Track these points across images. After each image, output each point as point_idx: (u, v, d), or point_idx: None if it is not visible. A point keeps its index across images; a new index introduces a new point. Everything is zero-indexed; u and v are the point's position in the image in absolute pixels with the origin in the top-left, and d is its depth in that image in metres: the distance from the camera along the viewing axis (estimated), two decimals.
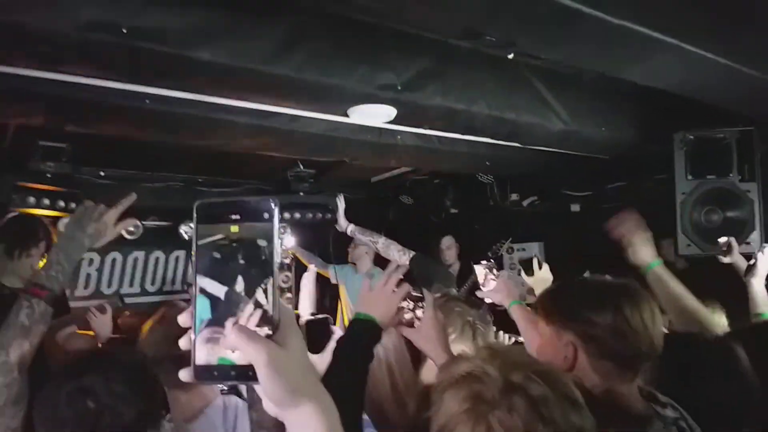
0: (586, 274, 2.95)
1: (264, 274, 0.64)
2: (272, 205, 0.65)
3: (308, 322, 1.80)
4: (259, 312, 0.64)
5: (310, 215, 4.98)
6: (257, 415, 1.48)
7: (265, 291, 0.64)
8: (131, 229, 4.67)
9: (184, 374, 0.65)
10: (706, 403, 1.51)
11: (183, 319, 0.67)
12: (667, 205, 3.55)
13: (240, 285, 0.64)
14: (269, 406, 0.67)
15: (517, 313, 2.19)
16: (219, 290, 0.65)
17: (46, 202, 4.13)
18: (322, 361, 1.76)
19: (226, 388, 2.03)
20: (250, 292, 0.64)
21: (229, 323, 0.64)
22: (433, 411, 1.03)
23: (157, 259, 5.18)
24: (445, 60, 2.78)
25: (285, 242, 4.98)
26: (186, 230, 5.02)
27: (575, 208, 5.23)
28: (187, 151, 3.87)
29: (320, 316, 1.88)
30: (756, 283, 2.27)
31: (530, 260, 2.86)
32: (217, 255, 0.65)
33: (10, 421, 1.46)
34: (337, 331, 1.88)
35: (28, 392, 1.52)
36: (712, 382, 1.58)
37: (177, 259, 5.29)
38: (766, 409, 1.57)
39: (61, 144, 3.92)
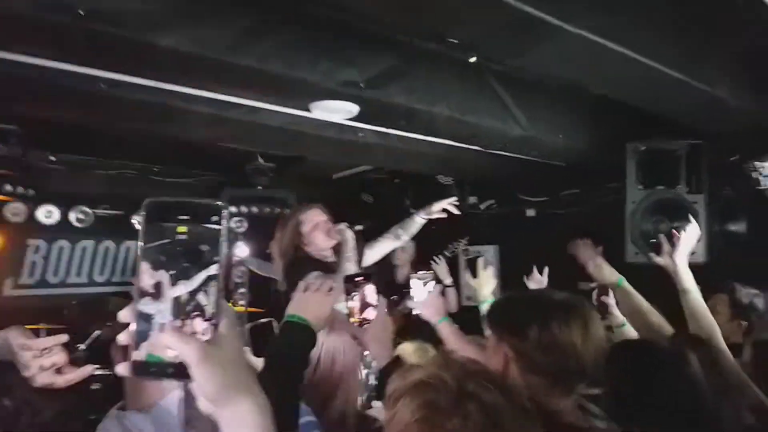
0: (545, 272, 3.05)
1: (207, 275, 0.66)
2: (221, 208, 0.67)
3: (251, 327, 1.82)
4: (199, 311, 0.66)
5: (268, 209, 4.94)
6: (189, 413, 1.46)
7: (206, 291, 0.66)
8: (80, 216, 4.54)
9: (122, 369, 0.67)
10: (659, 408, 1.56)
11: (124, 315, 0.67)
12: (617, 213, 3.67)
13: (182, 284, 0.66)
14: (204, 404, 0.68)
15: (445, 331, 2.17)
16: (162, 288, 0.66)
17: None
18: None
19: None
20: (192, 292, 0.66)
21: (166, 321, 0.65)
22: (386, 419, 1.02)
23: (107, 249, 5.03)
24: (410, 60, 2.80)
25: (238, 252, 4.95)
26: (138, 221, 4.89)
27: (531, 212, 5.34)
28: (142, 138, 3.78)
29: (263, 320, 1.89)
30: (680, 262, 2.31)
31: (475, 261, 2.90)
32: (162, 253, 0.66)
33: None
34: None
35: None
36: (664, 386, 1.61)
37: (128, 249, 5.15)
38: (718, 417, 1.63)
39: (11, 126, 3.79)
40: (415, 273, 2.62)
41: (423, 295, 2.45)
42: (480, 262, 2.80)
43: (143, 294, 0.66)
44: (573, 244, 2.60)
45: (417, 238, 5.69)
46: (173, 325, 0.65)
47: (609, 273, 2.36)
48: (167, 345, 0.65)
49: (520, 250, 4.99)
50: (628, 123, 3.53)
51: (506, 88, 3.21)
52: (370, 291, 2.09)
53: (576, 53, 2.28)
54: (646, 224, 3.55)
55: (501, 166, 4.22)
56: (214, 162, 4.98)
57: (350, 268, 3.23)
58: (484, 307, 2.64)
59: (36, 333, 2.98)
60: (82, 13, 1.93)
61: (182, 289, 0.66)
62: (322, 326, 1.57)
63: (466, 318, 2.79)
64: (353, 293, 2.02)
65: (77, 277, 4.86)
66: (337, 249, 3.29)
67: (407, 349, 2.54)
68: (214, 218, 0.67)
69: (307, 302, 1.56)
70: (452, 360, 1.08)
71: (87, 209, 4.60)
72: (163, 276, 0.66)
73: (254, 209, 4.93)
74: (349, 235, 3.37)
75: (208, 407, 0.69)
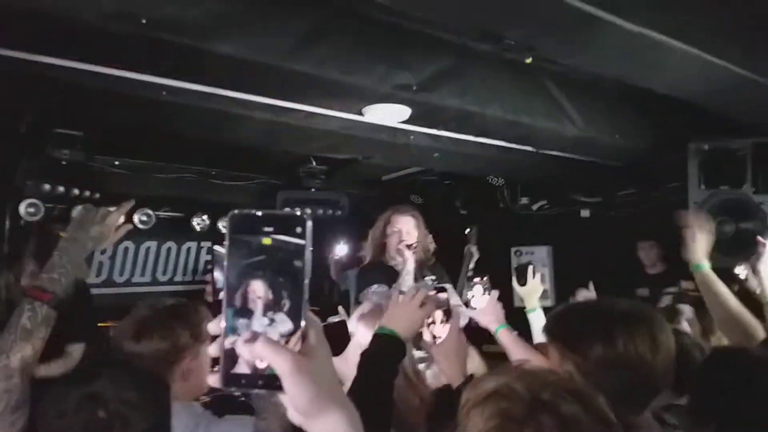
0: (591, 286, 2.93)
1: (294, 286, 0.66)
2: (305, 219, 0.66)
3: (325, 326, 1.81)
4: (287, 322, 0.66)
5: (321, 211, 5.01)
6: (264, 424, 1.48)
7: (293, 302, 0.66)
8: (144, 218, 4.72)
9: (213, 380, 0.67)
10: (751, 423, 1.45)
11: (213, 327, 0.68)
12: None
13: (270, 296, 0.66)
14: (294, 416, 0.68)
15: (505, 338, 2.10)
16: (249, 300, 0.67)
17: (61, 189, 4.18)
18: (341, 363, 1.78)
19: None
20: (279, 302, 0.66)
21: (256, 334, 0.66)
22: (458, 430, 0.98)
23: (168, 250, 5.21)
24: (462, 61, 2.79)
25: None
26: (198, 222, 5.05)
27: (585, 213, 5.23)
28: (201, 143, 3.89)
29: (336, 319, 1.88)
30: (765, 270, 2.21)
31: (524, 268, 2.78)
32: (247, 265, 0.66)
33: (9, 429, 1.38)
34: (355, 335, 1.90)
35: (29, 398, 1.43)
36: (757, 400, 1.48)
37: (188, 250, 5.32)
38: None
39: (77, 132, 3.96)
40: (471, 278, 2.51)
41: (482, 302, 2.37)
42: (530, 269, 2.71)
43: (231, 305, 0.66)
44: (682, 213, 2.38)
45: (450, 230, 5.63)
46: (265, 336, 0.65)
47: (699, 253, 2.19)
48: (259, 356, 0.65)
49: (574, 251, 4.91)
50: (689, 122, 3.41)
51: (561, 89, 3.15)
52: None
53: (635, 51, 2.23)
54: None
55: (554, 167, 4.15)
56: (268, 165, 5.08)
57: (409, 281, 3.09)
58: (533, 316, 2.59)
59: (106, 330, 3.12)
60: (144, 21, 2.00)
61: (269, 300, 0.66)
62: (412, 338, 1.57)
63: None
64: None
65: (141, 277, 5.05)
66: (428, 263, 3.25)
67: None
68: (298, 229, 0.66)
69: (400, 315, 1.56)
70: (527, 370, 1.03)
71: (149, 211, 4.78)
72: (252, 286, 0.66)
73: (308, 211, 5.00)
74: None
75: (299, 419, 0.68)
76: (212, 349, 0.68)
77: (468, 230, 3.09)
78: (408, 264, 3.08)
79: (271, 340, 0.65)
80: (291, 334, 0.66)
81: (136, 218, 4.70)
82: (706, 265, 2.22)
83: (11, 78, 2.46)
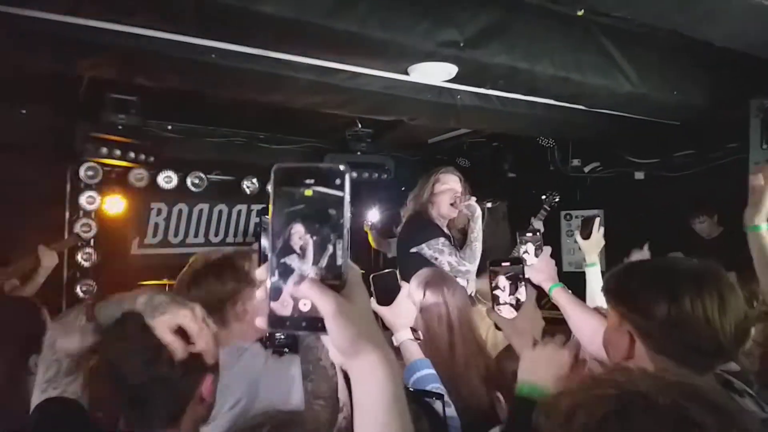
0: (645, 247, 2.84)
1: (335, 234, 0.70)
2: (344, 172, 0.70)
3: (374, 276, 1.84)
4: (329, 267, 0.70)
5: (367, 174, 5.04)
6: (312, 385, 1.51)
7: (334, 248, 0.70)
8: (196, 181, 4.87)
9: (260, 321, 0.72)
10: None
11: (260, 272, 0.73)
12: (738, 175, 3.40)
13: (312, 243, 0.70)
14: (335, 355, 0.74)
15: (561, 298, 1.97)
16: (293, 247, 0.71)
17: (117, 152, 4.35)
18: (391, 313, 1.81)
19: (283, 337, 2.13)
20: (321, 249, 0.70)
21: (302, 276, 0.70)
22: (555, 424, 0.81)
23: (220, 212, 5.37)
24: (510, 15, 2.71)
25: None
26: (248, 185, 5.17)
27: (639, 175, 5.07)
28: (249, 106, 3.96)
29: (386, 270, 1.91)
30: None
31: (590, 220, 2.67)
32: (291, 214, 0.70)
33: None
34: (405, 285, 1.92)
35: None
36: None
37: (239, 212, 5.47)
38: None
39: (131, 97, 4.08)
40: (524, 234, 2.38)
41: (533, 259, 2.29)
42: (596, 221, 2.62)
43: (275, 251, 0.71)
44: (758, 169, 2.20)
45: (511, 199, 5.55)
46: (311, 279, 0.69)
47: (759, 215, 1.99)
48: (305, 296, 0.69)
49: (627, 214, 4.77)
50: (749, 77, 3.24)
51: (614, 43, 3.03)
52: (517, 279, 1.92)
53: (693, 0, 2.12)
54: None
55: (608, 126, 4.02)
56: (316, 129, 5.13)
57: (477, 247, 3.13)
58: (591, 272, 2.53)
59: (162, 288, 3.24)
60: None
61: (312, 246, 0.70)
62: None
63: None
64: (499, 280, 1.77)
65: (195, 238, 5.24)
66: (459, 225, 3.27)
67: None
68: (338, 181, 0.70)
69: (540, 363, 1.30)
70: (645, 371, 0.86)
71: (202, 174, 4.92)
72: (295, 233, 0.70)
73: (353, 174, 5.05)
74: (478, 213, 3.19)
75: (339, 358, 0.74)
76: (259, 293, 0.72)
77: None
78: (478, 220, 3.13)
79: (317, 281, 0.69)
80: (333, 278, 0.70)
81: (188, 181, 4.85)
82: (763, 227, 2.12)
83: (67, 45, 2.55)
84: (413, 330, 1.89)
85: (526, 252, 2.26)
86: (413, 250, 3.10)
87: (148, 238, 5.05)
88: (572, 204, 5.42)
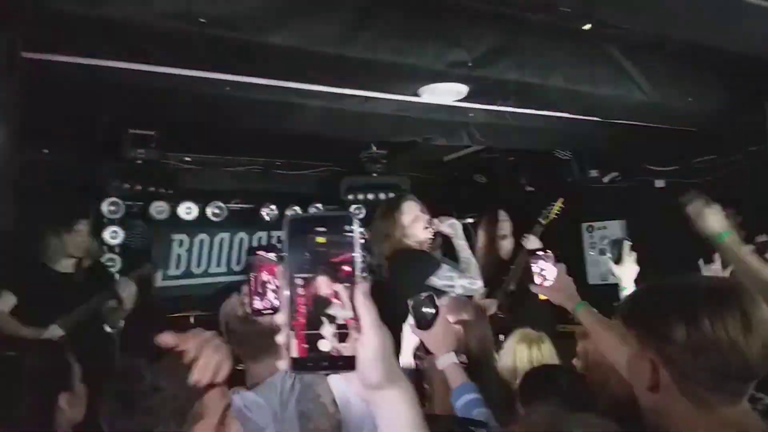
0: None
1: (349, 278, 0.74)
2: (352, 217, 0.75)
3: (412, 301, 1.84)
4: (345, 311, 0.73)
5: (383, 195, 5.05)
6: (312, 424, 1.50)
7: (350, 291, 0.73)
8: (216, 211, 4.92)
9: (282, 364, 0.74)
10: None
11: (280, 319, 0.74)
12: (760, 178, 3.34)
13: (327, 287, 0.73)
14: (359, 390, 0.76)
15: (586, 319, 1.90)
16: (308, 292, 0.74)
17: (138, 187, 4.42)
18: (432, 337, 1.81)
19: None
20: (336, 292, 0.73)
21: (323, 322, 0.72)
22: None
23: (241, 240, 5.41)
24: (518, 33, 2.72)
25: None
26: (267, 212, 5.21)
27: (660, 183, 4.99)
28: (265, 135, 4.01)
29: (423, 294, 1.90)
30: None
31: (620, 243, 2.61)
32: (305, 261, 0.74)
33: None
34: (443, 308, 1.92)
35: None
36: None
37: (260, 239, 5.50)
38: None
39: (149, 131, 4.16)
40: (535, 252, 2.33)
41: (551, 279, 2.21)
42: (626, 245, 2.58)
43: (294, 298, 0.73)
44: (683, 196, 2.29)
45: (515, 208, 5.51)
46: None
47: (714, 224, 2.09)
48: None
49: (649, 224, 4.69)
50: (765, 79, 3.19)
51: (624, 53, 3.02)
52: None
53: (700, 8, 2.10)
54: None
55: (624, 136, 3.99)
56: (331, 153, 5.16)
57: (474, 261, 3.13)
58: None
59: (186, 319, 3.25)
60: (203, 20, 2.08)
61: (327, 291, 0.73)
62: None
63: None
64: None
65: (217, 267, 5.28)
66: (436, 247, 3.28)
67: (515, 341, 2.46)
68: (347, 227, 0.74)
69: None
70: None
71: (221, 204, 4.97)
72: (309, 281, 0.73)
73: (370, 196, 5.07)
74: (458, 226, 3.21)
75: (364, 393, 0.76)
76: (280, 338, 0.74)
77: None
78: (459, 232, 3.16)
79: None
80: (350, 320, 0.73)
81: (208, 211, 4.90)
82: (727, 233, 2.08)
83: (85, 84, 2.62)
84: (456, 353, 1.87)
85: (541, 272, 2.16)
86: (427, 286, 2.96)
87: (171, 269, 5.10)
88: (593, 216, 5.36)
